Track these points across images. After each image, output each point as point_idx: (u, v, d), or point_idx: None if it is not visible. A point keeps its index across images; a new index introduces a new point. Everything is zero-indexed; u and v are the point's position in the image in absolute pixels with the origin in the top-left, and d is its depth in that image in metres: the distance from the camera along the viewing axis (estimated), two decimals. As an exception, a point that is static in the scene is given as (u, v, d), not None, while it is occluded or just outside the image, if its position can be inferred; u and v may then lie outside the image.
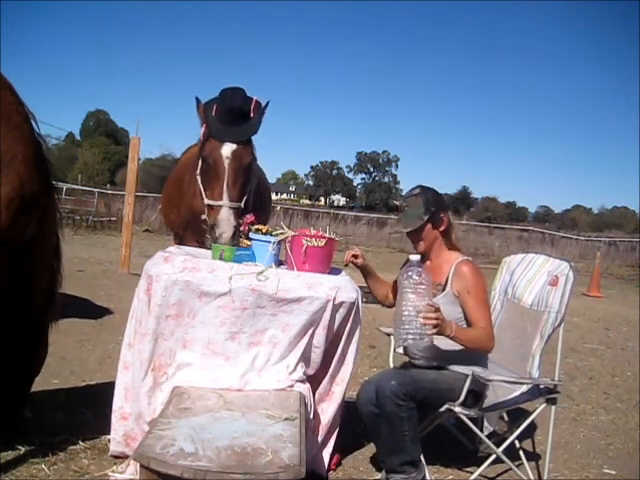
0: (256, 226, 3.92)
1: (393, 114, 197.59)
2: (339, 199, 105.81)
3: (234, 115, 4.17)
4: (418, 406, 3.67)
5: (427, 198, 3.85)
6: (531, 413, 4.03)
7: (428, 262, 3.93)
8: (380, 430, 3.70)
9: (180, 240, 5.08)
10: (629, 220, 72.95)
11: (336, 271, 3.99)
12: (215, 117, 4.18)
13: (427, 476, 3.74)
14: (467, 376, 3.66)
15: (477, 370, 3.67)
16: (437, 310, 3.44)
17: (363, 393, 3.83)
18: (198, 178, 4.29)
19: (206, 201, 4.17)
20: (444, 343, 3.72)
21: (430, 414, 3.87)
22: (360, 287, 3.89)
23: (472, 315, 3.71)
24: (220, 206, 4.05)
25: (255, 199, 4.58)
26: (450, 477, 4.11)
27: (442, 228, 3.86)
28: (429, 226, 3.83)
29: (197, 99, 4.30)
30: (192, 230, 4.81)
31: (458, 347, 3.66)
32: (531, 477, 4.00)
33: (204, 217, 4.23)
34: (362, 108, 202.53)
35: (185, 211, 4.87)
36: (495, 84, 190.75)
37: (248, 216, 4.04)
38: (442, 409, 3.68)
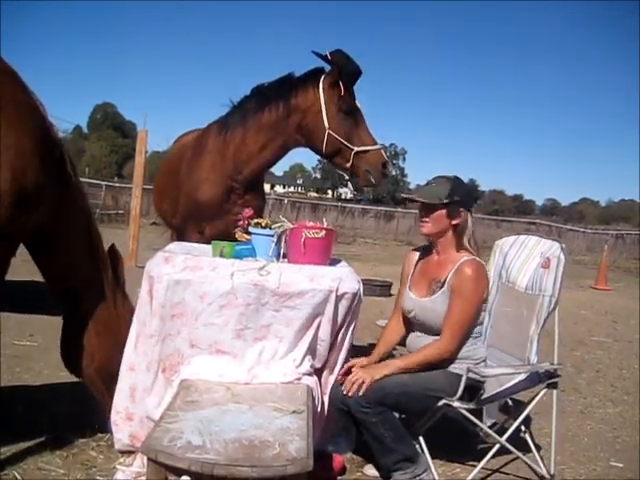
0: (255, 220, 3.92)
1: (400, 107, 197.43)
2: (346, 192, 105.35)
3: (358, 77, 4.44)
4: (394, 410, 3.68)
5: (455, 187, 3.77)
6: (533, 399, 4.03)
7: (436, 256, 3.91)
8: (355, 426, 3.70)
9: (180, 232, 5.11)
10: (636, 213, 72.66)
11: (336, 262, 4.00)
12: (347, 75, 4.34)
13: (432, 468, 3.75)
14: (446, 373, 3.70)
15: (472, 367, 3.67)
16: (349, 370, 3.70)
17: (334, 392, 3.77)
18: (337, 129, 4.36)
19: (357, 149, 4.33)
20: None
21: (428, 409, 3.85)
22: (364, 280, 3.88)
23: (447, 317, 3.68)
24: (378, 149, 4.40)
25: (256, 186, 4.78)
26: (457, 470, 4.12)
27: (455, 222, 3.75)
28: (444, 212, 3.74)
29: (318, 53, 4.39)
30: (193, 221, 4.83)
31: None
32: (540, 467, 4.01)
33: (348, 165, 4.39)
34: (369, 100, 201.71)
35: (186, 202, 4.86)
36: (502, 77, 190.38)
37: (247, 210, 4.05)
38: (440, 404, 3.66)
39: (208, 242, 4.28)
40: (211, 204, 4.63)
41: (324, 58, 4.33)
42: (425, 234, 3.86)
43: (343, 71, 4.30)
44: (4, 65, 3.12)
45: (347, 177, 4.54)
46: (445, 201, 3.71)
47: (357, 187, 4.59)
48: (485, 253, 3.86)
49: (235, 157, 4.54)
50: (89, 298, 3.69)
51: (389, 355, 3.97)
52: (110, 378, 3.68)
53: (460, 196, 3.75)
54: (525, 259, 4.23)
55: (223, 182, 4.60)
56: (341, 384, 3.67)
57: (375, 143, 4.40)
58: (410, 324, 4.00)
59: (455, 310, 3.65)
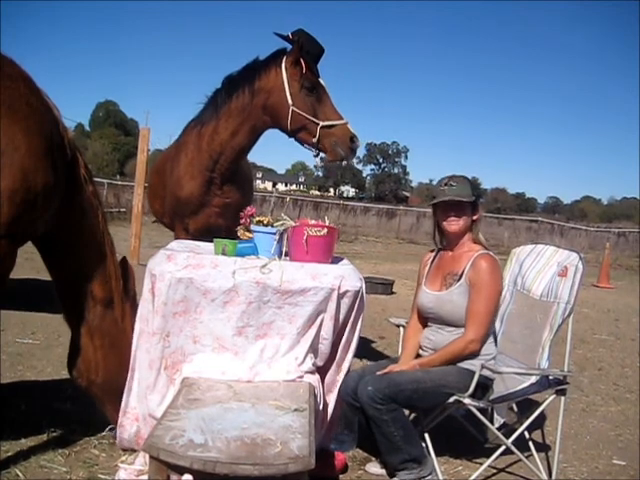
0: (257, 218, 3.92)
1: (402, 105, 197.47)
2: (348, 190, 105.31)
3: (320, 56, 4.53)
4: (405, 407, 3.72)
5: (472, 184, 3.92)
6: (540, 404, 4.03)
7: (450, 252, 3.97)
8: (365, 423, 3.72)
9: (170, 230, 5.27)
10: (638, 211, 72.54)
11: (338, 260, 4.00)
12: (308, 53, 4.40)
13: (436, 468, 3.75)
14: (459, 370, 3.72)
15: (486, 363, 3.67)
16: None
17: (344, 387, 3.81)
18: (300, 106, 4.40)
19: (323, 123, 4.37)
20: (452, 337, 3.77)
21: (439, 406, 3.87)
22: (366, 278, 3.87)
23: (469, 310, 3.72)
24: (344, 123, 4.40)
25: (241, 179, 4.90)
26: (459, 468, 4.11)
27: (476, 217, 3.89)
28: (469, 209, 3.86)
29: (279, 34, 4.45)
30: (178, 219, 4.95)
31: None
32: (540, 468, 4.00)
33: (314, 140, 4.41)
34: (371, 99, 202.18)
35: (171, 200, 4.98)
36: (504, 75, 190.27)
37: (249, 208, 4.06)
38: (451, 400, 3.67)
39: (194, 238, 4.34)
40: (191, 198, 4.74)
41: (285, 38, 4.41)
42: (455, 232, 3.90)
43: (304, 49, 4.35)
44: (18, 69, 3.16)
45: (314, 154, 4.54)
46: (473, 199, 3.84)
47: (327, 163, 4.63)
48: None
49: (209, 147, 4.62)
50: (97, 306, 3.66)
51: (417, 356, 3.98)
52: (114, 394, 3.68)
53: (476, 192, 3.89)
54: (541, 268, 4.24)
55: (201, 175, 4.69)
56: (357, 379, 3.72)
57: (341, 118, 4.42)
58: (426, 320, 4.03)
59: (478, 302, 3.70)
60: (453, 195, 3.81)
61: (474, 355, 3.72)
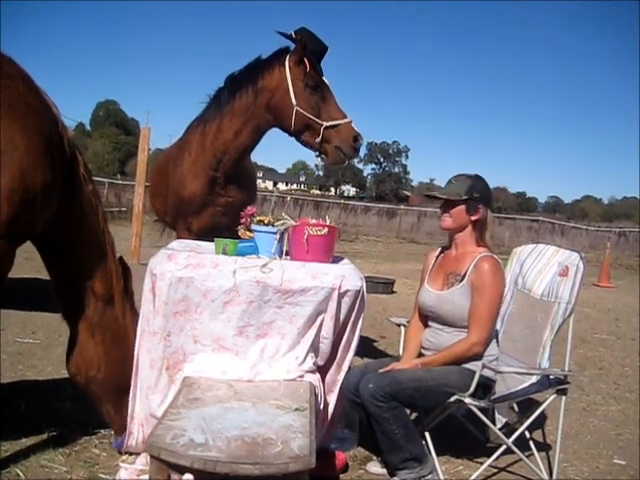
0: (258, 217, 3.91)
1: (403, 105, 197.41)
2: (349, 189, 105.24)
3: (324, 54, 4.51)
4: (406, 406, 3.70)
5: (474, 184, 3.84)
6: (541, 404, 4.03)
7: (454, 251, 3.96)
8: (366, 421, 3.72)
9: (172, 229, 5.29)
10: (639, 211, 72.53)
11: (338, 259, 4.00)
12: (311, 52, 4.39)
13: (437, 468, 3.75)
14: (461, 369, 3.71)
15: (487, 362, 3.67)
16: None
17: (345, 384, 3.81)
18: (304, 106, 4.38)
19: (326, 124, 4.35)
20: (452, 338, 3.78)
21: (440, 405, 3.86)
22: (367, 277, 3.87)
23: (472, 312, 3.72)
24: (348, 122, 4.36)
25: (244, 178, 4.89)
26: (460, 467, 4.11)
27: (474, 217, 3.82)
28: (462, 207, 3.81)
29: (282, 33, 4.44)
30: (181, 218, 4.94)
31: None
32: (541, 467, 3.99)
33: (318, 141, 4.39)
34: (371, 99, 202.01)
35: (173, 199, 4.97)
36: (504, 75, 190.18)
37: (249, 207, 4.05)
38: (452, 399, 3.67)
39: (197, 238, 4.33)
40: (194, 197, 4.73)
41: (289, 37, 4.40)
42: (445, 229, 3.94)
43: (307, 48, 4.34)
44: (16, 68, 3.14)
45: (316, 154, 4.54)
46: (464, 197, 3.79)
47: (328, 164, 4.60)
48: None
49: (213, 146, 4.60)
50: (97, 303, 3.64)
51: (419, 355, 3.98)
52: (115, 392, 3.66)
53: (479, 193, 3.83)
54: (542, 267, 4.23)
55: (204, 174, 4.68)
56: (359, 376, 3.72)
57: (345, 117, 4.40)
58: (427, 319, 4.03)
59: (481, 305, 3.69)
60: (441, 192, 3.88)
61: (477, 357, 3.72)
